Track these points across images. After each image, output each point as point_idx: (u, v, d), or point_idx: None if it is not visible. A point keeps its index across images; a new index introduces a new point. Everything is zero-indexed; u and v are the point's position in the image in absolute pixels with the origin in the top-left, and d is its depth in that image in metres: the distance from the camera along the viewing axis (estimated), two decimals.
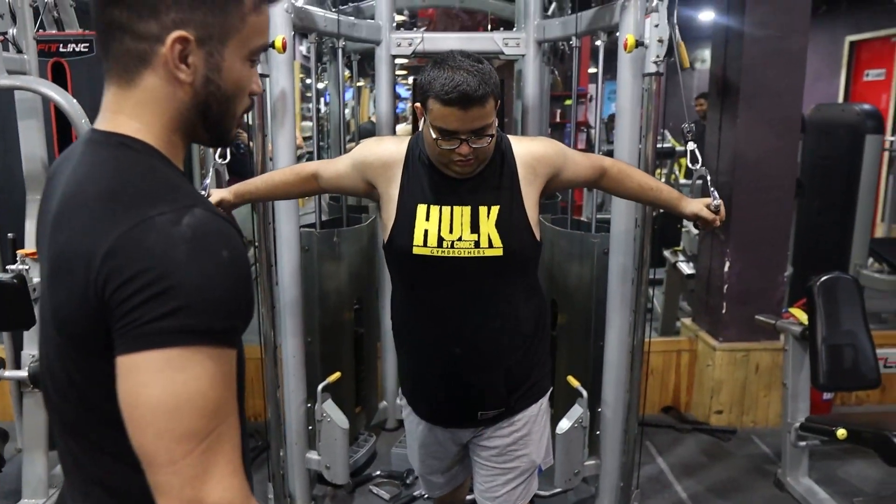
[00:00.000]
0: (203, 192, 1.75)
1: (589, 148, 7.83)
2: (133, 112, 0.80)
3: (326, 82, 4.11)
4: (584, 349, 2.74)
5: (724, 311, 3.29)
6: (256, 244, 2.34)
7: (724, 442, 3.23)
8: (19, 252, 2.19)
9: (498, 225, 1.57)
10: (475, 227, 1.57)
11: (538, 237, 1.64)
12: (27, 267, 2.14)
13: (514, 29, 3.22)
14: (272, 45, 2.17)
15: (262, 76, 2.23)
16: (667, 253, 4.34)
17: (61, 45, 2.76)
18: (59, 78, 2.78)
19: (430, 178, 1.60)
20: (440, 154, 1.52)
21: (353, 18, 2.77)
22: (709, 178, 2.07)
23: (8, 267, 2.16)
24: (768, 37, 3.08)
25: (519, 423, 1.72)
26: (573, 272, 2.77)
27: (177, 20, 0.76)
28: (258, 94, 0.96)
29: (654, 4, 2.10)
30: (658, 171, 5.69)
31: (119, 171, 0.78)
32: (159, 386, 0.68)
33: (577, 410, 2.46)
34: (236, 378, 0.76)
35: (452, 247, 1.57)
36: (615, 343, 2.51)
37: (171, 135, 0.82)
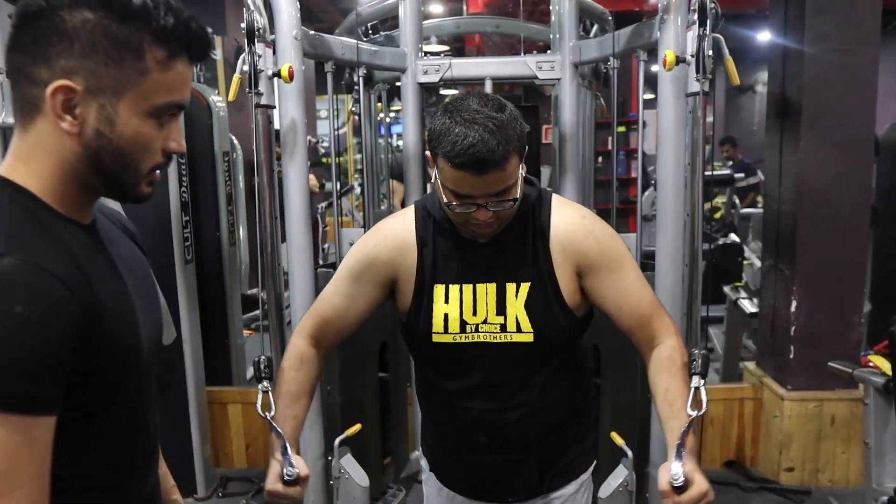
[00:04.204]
0: (290, 469, 1.17)
1: (643, 179, 7.51)
2: (23, 156, 0.79)
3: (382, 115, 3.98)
4: (630, 401, 2.46)
5: (791, 355, 2.95)
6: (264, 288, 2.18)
7: None
8: None
9: (528, 306, 1.32)
10: (501, 308, 1.33)
11: (580, 312, 1.37)
12: None
13: (549, 52, 3.02)
14: (277, 75, 2.03)
15: (268, 107, 2.09)
16: (727, 289, 4.01)
17: None
18: None
19: (447, 250, 1.35)
20: (454, 217, 1.29)
21: (373, 46, 2.62)
22: (689, 429, 1.19)
23: None
24: (831, 52, 2.78)
25: (555, 501, 1.48)
26: None
27: (66, 68, 0.75)
28: (176, 152, 0.85)
29: (695, 17, 1.87)
30: (716, 199, 5.37)
31: None
32: None
33: (622, 472, 2.16)
34: (52, 448, 0.72)
35: (477, 331, 1.34)
36: None
37: (61, 184, 0.80)
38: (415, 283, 1.36)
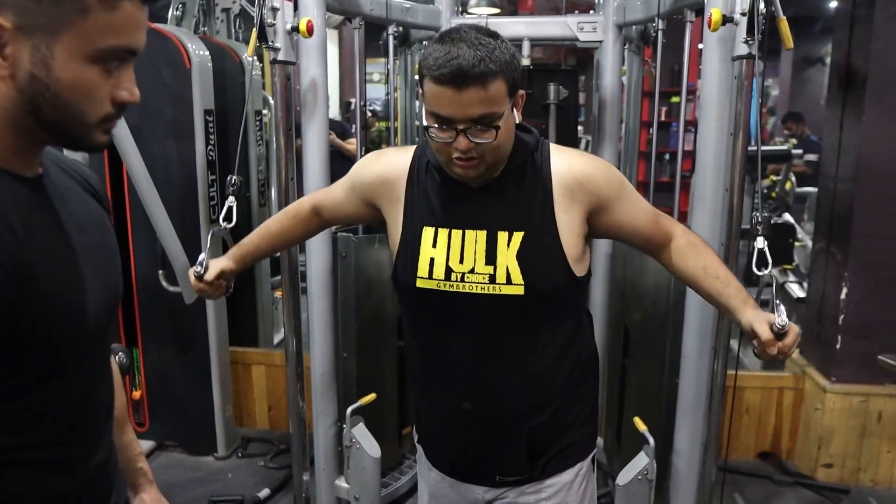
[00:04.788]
0: (199, 268, 1.45)
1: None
2: None
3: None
4: (657, 386, 2.34)
5: (838, 345, 2.76)
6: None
7: (834, 503, 2.70)
8: None
9: (521, 256, 1.24)
10: (491, 258, 1.25)
11: (581, 272, 1.29)
12: None
13: (592, 12, 2.85)
14: (296, 29, 1.94)
15: (288, 63, 2.01)
16: (776, 271, 3.79)
17: None
18: None
19: (438, 192, 1.30)
20: (437, 150, 1.23)
21: (405, 2, 2.50)
22: (776, 287, 1.39)
23: None
24: None
25: (549, 489, 1.38)
26: (648, 294, 2.37)
27: None
28: (128, 102, 0.77)
29: None
30: (770, 177, 5.10)
31: None
32: None
33: (643, 460, 2.06)
34: None
35: (462, 280, 1.26)
36: (692, 381, 2.10)
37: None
38: (402, 219, 1.32)
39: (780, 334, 1.16)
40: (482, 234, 1.26)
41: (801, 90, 10.55)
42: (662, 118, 7.35)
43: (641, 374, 2.47)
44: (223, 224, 1.85)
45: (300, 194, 2.21)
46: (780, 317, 1.17)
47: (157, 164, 2.71)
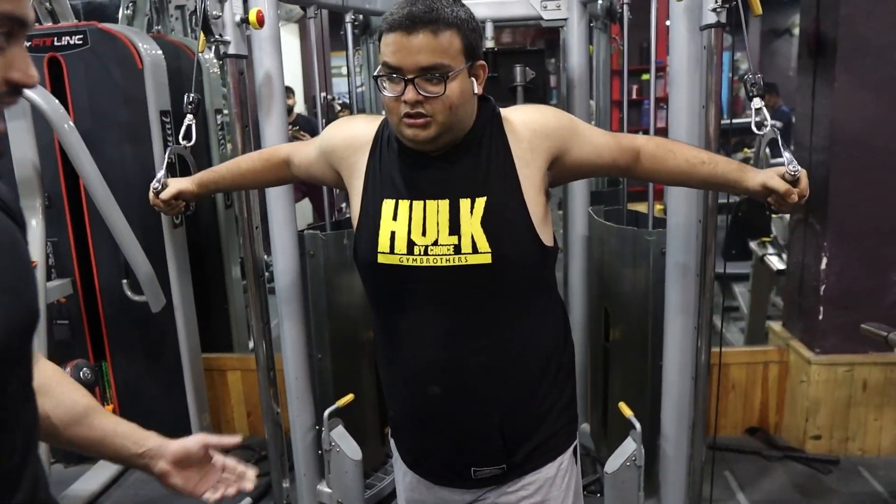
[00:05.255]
0: (157, 184, 1.59)
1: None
2: None
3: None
4: (641, 369, 2.29)
5: (820, 316, 2.73)
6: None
7: (824, 475, 2.68)
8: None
9: (485, 223, 1.19)
10: (455, 227, 1.19)
11: (548, 240, 1.25)
12: None
13: None
14: (246, 21, 1.85)
15: (239, 57, 1.92)
16: (754, 244, 3.77)
17: (56, 39, 2.56)
18: (55, 74, 2.59)
19: (398, 164, 1.25)
20: (388, 108, 1.18)
21: None
22: (780, 139, 1.47)
23: None
24: None
25: (530, 486, 1.32)
26: (626, 276, 2.32)
27: None
28: (23, 85, 0.68)
29: None
30: (744, 150, 5.05)
31: None
32: None
33: (630, 446, 2.02)
34: None
35: (426, 253, 1.20)
36: (675, 363, 2.05)
37: None
38: (362, 193, 1.28)
39: (793, 181, 1.28)
40: (444, 203, 1.20)
41: (771, 62, 10.57)
42: (634, 96, 7.33)
43: (624, 357, 2.42)
44: (183, 143, 1.85)
45: (262, 196, 2.13)
46: (792, 164, 1.27)
47: (114, 169, 2.60)
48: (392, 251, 1.21)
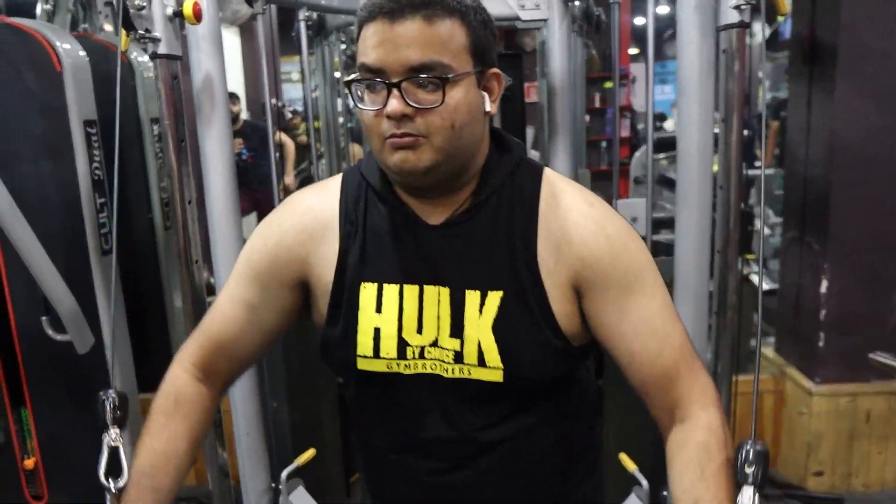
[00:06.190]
0: None
1: (634, 138, 7.06)
2: None
3: None
4: (641, 409, 2.04)
5: (821, 342, 2.54)
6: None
7: None
8: None
9: (497, 328, 0.87)
10: (458, 328, 0.88)
11: (579, 340, 0.91)
12: None
13: None
14: (180, 14, 1.53)
15: (172, 57, 1.60)
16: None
17: None
18: None
19: (383, 231, 0.91)
20: (367, 130, 0.84)
21: None
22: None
23: None
24: None
25: None
26: None
27: None
28: None
29: None
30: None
31: None
32: None
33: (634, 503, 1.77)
34: None
35: (422, 356, 0.89)
36: None
37: None
38: (334, 280, 0.91)
39: None
40: (445, 293, 0.89)
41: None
42: (597, 105, 7.19)
43: (621, 397, 2.17)
44: (113, 434, 0.98)
45: (203, 220, 1.80)
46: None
47: (30, 188, 2.23)
48: (377, 355, 0.90)
